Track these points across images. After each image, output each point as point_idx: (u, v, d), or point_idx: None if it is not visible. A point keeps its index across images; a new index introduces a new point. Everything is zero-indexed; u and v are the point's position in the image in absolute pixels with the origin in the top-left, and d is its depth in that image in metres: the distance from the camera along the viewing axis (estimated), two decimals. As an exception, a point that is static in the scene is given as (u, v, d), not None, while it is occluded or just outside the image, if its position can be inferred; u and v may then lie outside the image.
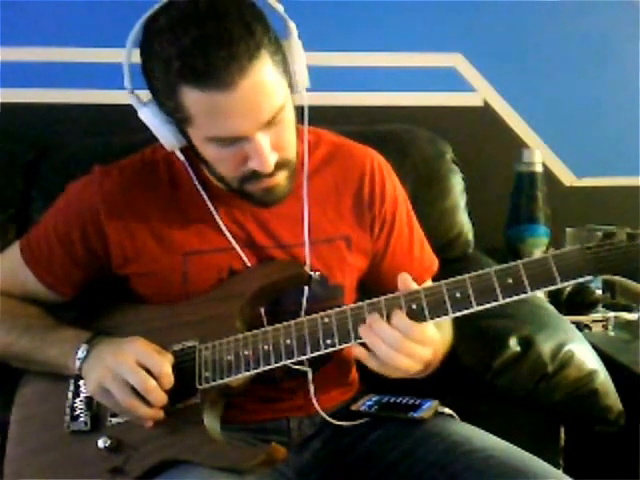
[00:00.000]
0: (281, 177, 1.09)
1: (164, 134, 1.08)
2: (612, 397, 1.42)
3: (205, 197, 1.16)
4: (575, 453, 1.49)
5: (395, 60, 2.13)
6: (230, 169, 1.07)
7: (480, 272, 1.00)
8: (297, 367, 1.13)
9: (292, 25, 1.08)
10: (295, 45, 1.07)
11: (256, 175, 1.06)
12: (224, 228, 1.16)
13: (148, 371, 1.04)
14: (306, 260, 1.17)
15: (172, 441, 1.06)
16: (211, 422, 1.07)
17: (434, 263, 1.30)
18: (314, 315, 1.07)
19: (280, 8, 1.08)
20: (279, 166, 1.07)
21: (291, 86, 1.07)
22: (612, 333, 1.86)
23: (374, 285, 1.23)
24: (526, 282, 0.97)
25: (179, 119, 1.04)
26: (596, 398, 1.41)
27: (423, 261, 1.28)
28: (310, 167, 1.19)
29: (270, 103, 1.01)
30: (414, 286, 1.03)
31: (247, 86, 0.98)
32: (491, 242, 2.03)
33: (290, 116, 1.07)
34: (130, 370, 1.04)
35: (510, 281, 0.98)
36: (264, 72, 0.99)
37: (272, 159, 1.05)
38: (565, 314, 1.67)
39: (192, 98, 0.99)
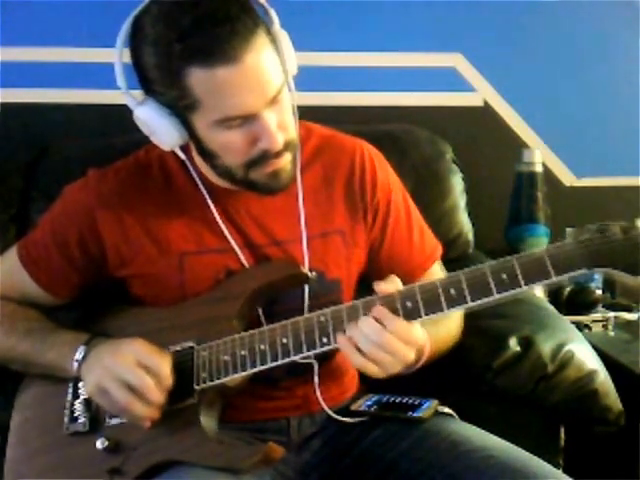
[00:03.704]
0: (286, 159, 1.09)
1: (166, 129, 1.07)
2: (612, 397, 1.42)
3: (205, 195, 1.16)
4: (575, 453, 1.49)
5: (395, 60, 2.13)
6: (237, 154, 1.07)
7: (474, 268, 1.00)
8: (303, 361, 1.13)
9: (273, 13, 1.08)
10: (281, 32, 1.08)
11: (264, 157, 1.07)
12: (224, 228, 1.16)
13: (147, 371, 1.04)
14: (304, 258, 1.17)
15: (170, 442, 1.06)
16: (208, 422, 1.07)
17: (436, 250, 1.29)
18: (310, 314, 1.07)
19: None
20: (285, 146, 1.08)
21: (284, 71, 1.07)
22: (612, 333, 1.86)
23: (375, 277, 1.23)
24: (520, 277, 0.97)
25: (184, 107, 1.04)
26: (596, 398, 1.41)
27: (424, 248, 1.27)
28: (301, 161, 1.18)
29: (273, 79, 1.03)
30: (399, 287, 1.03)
31: (251, 60, 0.99)
32: (491, 242, 2.02)
33: (288, 97, 1.08)
34: (128, 369, 1.04)
35: (504, 276, 0.97)
36: (265, 48, 1.01)
37: (280, 137, 1.05)
38: (565, 314, 1.67)
39: (198, 78, 1.00)
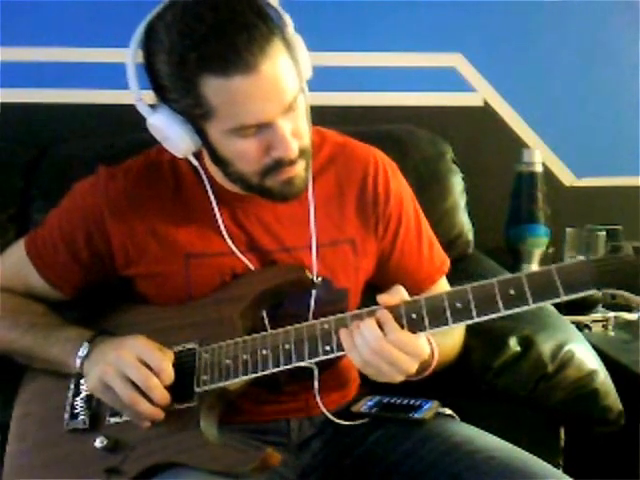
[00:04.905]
0: (300, 167, 1.08)
1: (179, 137, 1.06)
2: (612, 397, 1.42)
3: (212, 200, 1.16)
4: (575, 453, 1.49)
5: (395, 60, 2.13)
6: (252, 162, 1.06)
7: (482, 282, 0.99)
8: (304, 365, 1.12)
9: (287, 17, 1.07)
10: (295, 37, 1.07)
11: (279, 164, 1.06)
12: (225, 232, 1.15)
13: (149, 369, 1.04)
14: (313, 264, 1.16)
15: (168, 443, 1.06)
16: (207, 425, 1.07)
17: (445, 263, 1.28)
18: (313, 321, 1.07)
19: (275, 1, 1.07)
20: (299, 154, 1.07)
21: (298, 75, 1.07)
22: (612, 333, 1.86)
23: (382, 285, 1.22)
24: (529, 294, 0.95)
25: (198, 115, 1.03)
26: (596, 398, 1.41)
27: (433, 260, 1.26)
28: (314, 168, 1.18)
29: (289, 86, 1.02)
30: (405, 297, 1.02)
31: (268, 68, 0.99)
32: (491, 242, 2.03)
33: (303, 104, 1.07)
34: (132, 366, 1.04)
35: (512, 292, 0.96)
36: (280, 55, 1.00)
37: (295, 145, 1.05)
38: (565, 314, 1.67)
39: (214, 87, 0.99)
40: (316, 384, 1.18)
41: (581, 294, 0.95)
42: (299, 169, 1.08)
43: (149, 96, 1.07)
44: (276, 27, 1.01)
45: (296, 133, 1.05)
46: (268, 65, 0.98)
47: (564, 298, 0.95)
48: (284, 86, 1.01)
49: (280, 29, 1.03)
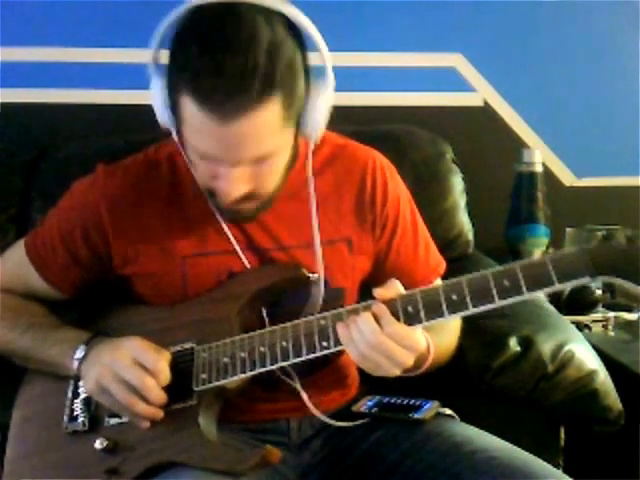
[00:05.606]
0: (247, 206, 1.08)
1: (163, 119, 1.07)
2: (612, 397, 1.42)
3: (207, 197, 1.16)
4: (575, 453, 1.49)
5: (395, 60, 2.13)
6: (200, 178, 1.08)
7: (476, 274, 0.99)
8: (288, 381, 1.15)
9: (325, 65, 1.05)
10: (319, 88, 1.05)
11: (221, 194, 1.06)
12: (228, 231, 1.16)
13: (145, 369, 1.05)
14: (319, 262, 1.16)
15: (168, 443, 1.06)
16: (207, 424, 1.07)
17: (440, 264, 1.29)
18: (310, 317, 1.07)
19: (321, 44, 1.07)
20: (248, 197, 1.06)
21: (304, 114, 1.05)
22: (612, 333, 1.86)
23: (378, 286, 1.23)
24: (523, 284, 0.96)
25: (175, 115, 1.04)
26: (596, 398, 1.41)
27: (428, 262, 1.27)
28: (313, 168, 1.18)
29: (258, 148, 1.00)
30: (401, 291, 1.03)
31: (240, 128, 0.96)
32: (491, 242, 2.03)
33: (280, 160, 1.05)
34: (127, 368, 1.04)
35: (507, 283, 0.97)
36: (265, 118, 0.97)
37: (239, 192, 1.04)
38: (565, 314, 1.67)
39: (187, 110, 0.98)
40: (304, 395, 1.18)
41: (575, 282, 0.95)
42: (244, 207, 1.08)
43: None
44: (288, 76, 0.98)
45: (253, 178, 1.04)
46: (242, 124, 0.96)
47: (558, 287, 0.95)
48: (252, 146, 0.99)
49: (287, 85, 0.98)
